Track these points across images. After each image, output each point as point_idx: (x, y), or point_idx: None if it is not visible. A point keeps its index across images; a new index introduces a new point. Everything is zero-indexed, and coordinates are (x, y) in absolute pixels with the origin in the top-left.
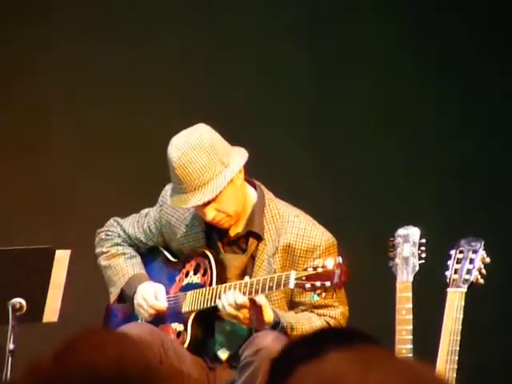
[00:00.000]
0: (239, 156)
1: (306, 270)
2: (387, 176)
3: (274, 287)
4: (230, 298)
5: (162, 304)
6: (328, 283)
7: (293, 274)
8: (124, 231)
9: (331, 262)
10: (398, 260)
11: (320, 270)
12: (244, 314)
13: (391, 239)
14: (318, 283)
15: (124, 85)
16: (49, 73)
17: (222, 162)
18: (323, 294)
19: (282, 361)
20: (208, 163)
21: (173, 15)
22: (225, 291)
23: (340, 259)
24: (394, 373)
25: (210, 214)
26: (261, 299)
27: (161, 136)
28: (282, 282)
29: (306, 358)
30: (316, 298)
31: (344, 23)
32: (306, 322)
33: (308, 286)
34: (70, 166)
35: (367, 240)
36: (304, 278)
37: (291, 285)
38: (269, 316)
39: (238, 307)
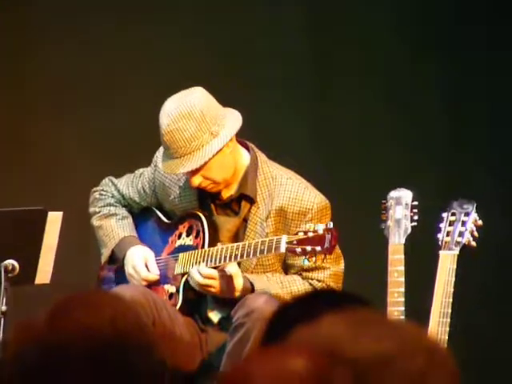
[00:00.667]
0: (231, 125)
1: (296, 234)
2: (380, 138)
3: (266, 251)
4: (194, 271)
5: (154, 275)
6: (318, 248)
7: (284, 238)
8: (118, 191)
9: (322, 227)
10: (390, 222)
11: (311, 234)
12: (213, 284)
13: (383, 201)
14: (308, 247)
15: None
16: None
17: (211, 132)
18: (313, 259)
19: (278, 321)
20: (196, 133)
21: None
22: (217, 253)
23: (331, 224)
24: (386, 335)
25: (196, 181)
26: (231, 268)
27: (150, 94)
28: (274, 246)
29: (302, 319)
30: (306, 262)
31: None
32: (283, 286)
33: (299, 250)
34: (58, 126)
35: (359, 202)
36: (295, 242)
37: (282, 249)
38: (239, 284)
39: (205, 278)
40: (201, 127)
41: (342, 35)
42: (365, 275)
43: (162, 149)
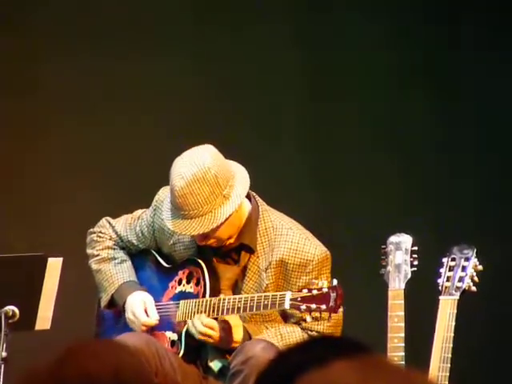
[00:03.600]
0: (241, 186)
1: (300, 290)
2: (379, 183)
3: (269, 306)
4: (195, 320)
5: (153, 320)
6: (323, 306)
7: (288, 295)
8: (116, 233)
9: (326, 284)
10: (389, 267)
11: (315, 292)
12: (212, 334)
13: (383, 247)
14: (313, 305)
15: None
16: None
17: (223, 195)
18: (317, 315)
19: (277, 368)
20: (209, 196)
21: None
22: (219, 305)
23: (335, 281)
24: (395, 382)
25: (203, 241)
26: (231, 319)
27: (151, 137)
28: (278, 302)
29: (308, 366)
30: (309, 319)
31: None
32: (283, 338)
33: (303, 307)
34: (58, 168)
35: (359, 248)
36: (299, 299)
37: (286, 305)
38: (238, 335)
39: (206, 327)
40: (214, 191)
41: (342, 74)
42: (364, 320)
43: (162, 193)
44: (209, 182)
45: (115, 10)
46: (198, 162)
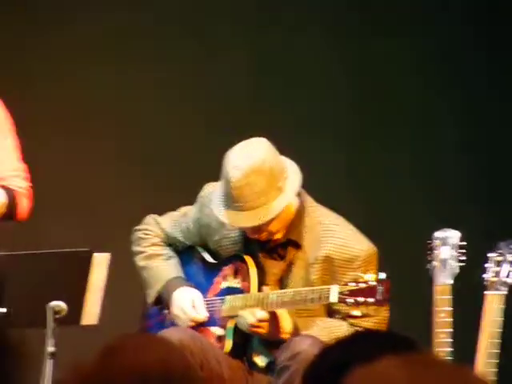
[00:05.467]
0: (294, 179)
1: (347, 284)
2: (426, 177)
3: (316, 300)
4: (247, 312)
5: (202, 316)
6: (371, 299)
7: (335, 288)
8: (161, 230)
9: (374, 278)
10: (436, 262)
11: (362, 285)
12: (263, 326)
13: (429, 242)
14: (360, 299)
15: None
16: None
17: (278, 187)
18: (364, 310)
19: (326, 364)
20: (265, 188)
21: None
22: (266, 299)
23: (383, 275)
24: (443, 378)
25: (255, 234)
26: (279, 310)
27: (196, 135)
28: (324, 295)
29: (355, 361)
30: (356, 313)
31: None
32: (330, 332)
33: (350, 301)
34: (104, 164)
35: (405, 242)
36: (346, 293)
37: (333, 299)
38: (286, 327)
39: (257, 320)
40: (269, 182)
41: (383, 79)
42: (410, 316)
43: (208, 189)
44: (264, 173)
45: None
46: (253, 154)
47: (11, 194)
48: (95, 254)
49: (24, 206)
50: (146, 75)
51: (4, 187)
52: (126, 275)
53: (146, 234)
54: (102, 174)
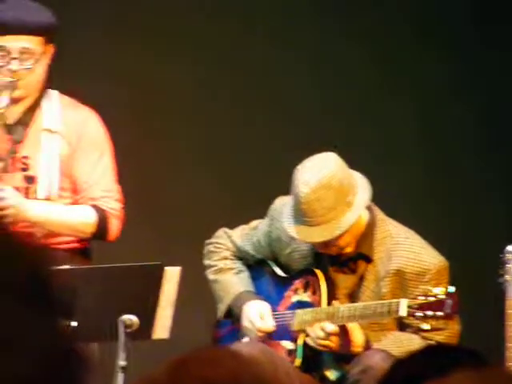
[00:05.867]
0: (364, 194)
1: (416, 298)
2: (496, 190)
3: (385, 314)
4: (316, 327)
5: (269, 326)
6: (440, 313)
7: (404, 302)
8: (233, 243)
9: (443, 291)
10: (508, 276)
11: (431, 298)
12: (334, 341)
13: (501, 256)
14: (429, 312)
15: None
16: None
17: (347, 202)
18: (433, 323)
19: (397, 378)
20: (334, 203)
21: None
22: (336, 313)
23: (452, 288)
24: None
25: (324, 248)
26: (351, 324)
27: (266, 148)
28: (393, 309)
29: (427, 376)
30: (425, 326)
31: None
32: (402, 345)
33: (419, 314)
34: (177, 178)
35: (476, 256)
36: (416, 307)
37: (403, 312)
38: (359, 340)
39: (328, 334)
40: (339, 197)
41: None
42: (482, 330)
43: (279, 203)
44: (334, 188)
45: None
46: (322, 169)
47: (103, 214)
48: (166, 268)
49: (114, 227)
50: (230, 96)
51: (96, 207)
52: (197, 288)
53: (217, 248)
54: (174, 186)
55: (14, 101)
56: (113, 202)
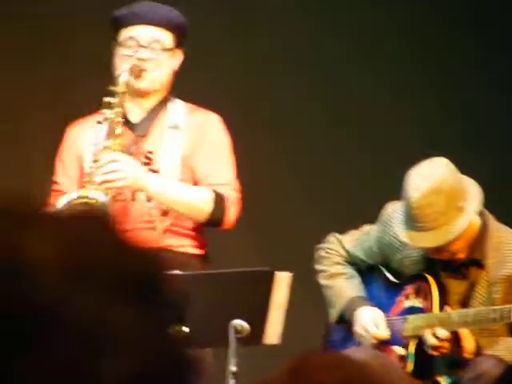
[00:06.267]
0: (475, 199)
1: None
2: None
3: (497, 319)
4: (428, 333)
5: (384, 334)
6: None
7: None
8: (344, 249)
9: None
10: None
11: None
12: (446, 346)
13: None
14: None
15: None
16: None
17: (458, 207)
18: None
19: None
20: (445, 208)
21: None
22: (448, 319)
23: None
24: None
25: (435, 254)
26: (462, 330)
27: (376, 152)
28: (505, 315)
29: None
30: None
31: None
32: (511, 352)
33: None
34: (287, 186)
35: None
36: None
37: None
38: (470, 346)
39: (441, 340)
40: (450, 203)
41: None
42: None
43: (391, 208)
44: (444, 193)
45: None
46: (433, 174)
47: (221, 197)
48: (277, 273)
49: (231, 214)
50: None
51: (214, 191)
52: (307, 293)
53: (328, 253)
54: (282, 192)
55: (140, 94)
56: (231, 191)
